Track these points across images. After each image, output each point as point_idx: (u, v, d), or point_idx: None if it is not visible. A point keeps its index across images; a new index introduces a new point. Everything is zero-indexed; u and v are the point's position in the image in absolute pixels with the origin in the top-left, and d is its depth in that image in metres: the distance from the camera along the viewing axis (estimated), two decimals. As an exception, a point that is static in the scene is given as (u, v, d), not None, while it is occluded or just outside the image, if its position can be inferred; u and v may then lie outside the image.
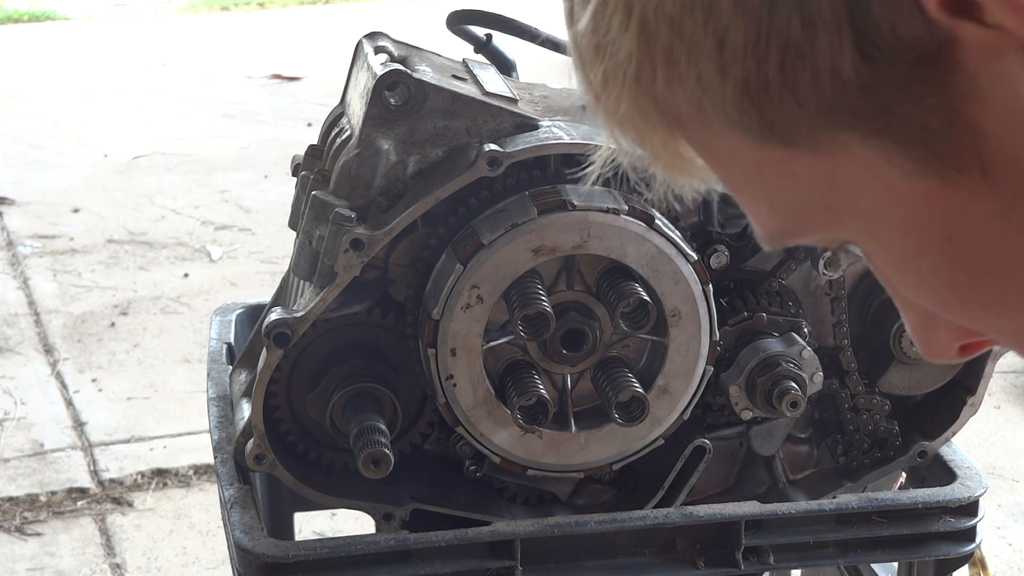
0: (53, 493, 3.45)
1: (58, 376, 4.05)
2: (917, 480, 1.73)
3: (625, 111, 0.67)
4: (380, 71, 1.48)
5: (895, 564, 1.74)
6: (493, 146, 1.46)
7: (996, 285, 0.64)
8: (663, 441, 1.57)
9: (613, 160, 0.81)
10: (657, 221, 1.48)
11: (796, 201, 0.67)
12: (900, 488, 1.74)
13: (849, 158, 0.63)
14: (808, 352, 1.58)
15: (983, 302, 0.66)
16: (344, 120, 1.62)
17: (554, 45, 1.72)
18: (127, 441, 3.69)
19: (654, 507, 1.61)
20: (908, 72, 0.60)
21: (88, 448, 3.65)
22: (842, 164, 0.64)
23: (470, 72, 1.60)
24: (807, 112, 0.62)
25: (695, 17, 0.61)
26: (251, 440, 1.52)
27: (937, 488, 1.63)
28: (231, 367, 1.75)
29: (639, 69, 0.64)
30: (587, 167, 1.04)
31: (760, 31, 0.60)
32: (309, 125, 6.39)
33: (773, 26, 0.59)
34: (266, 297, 1.87)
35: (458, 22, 1.78)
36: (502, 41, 1.79)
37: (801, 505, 1.60)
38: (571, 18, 0.68)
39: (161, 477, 3.54)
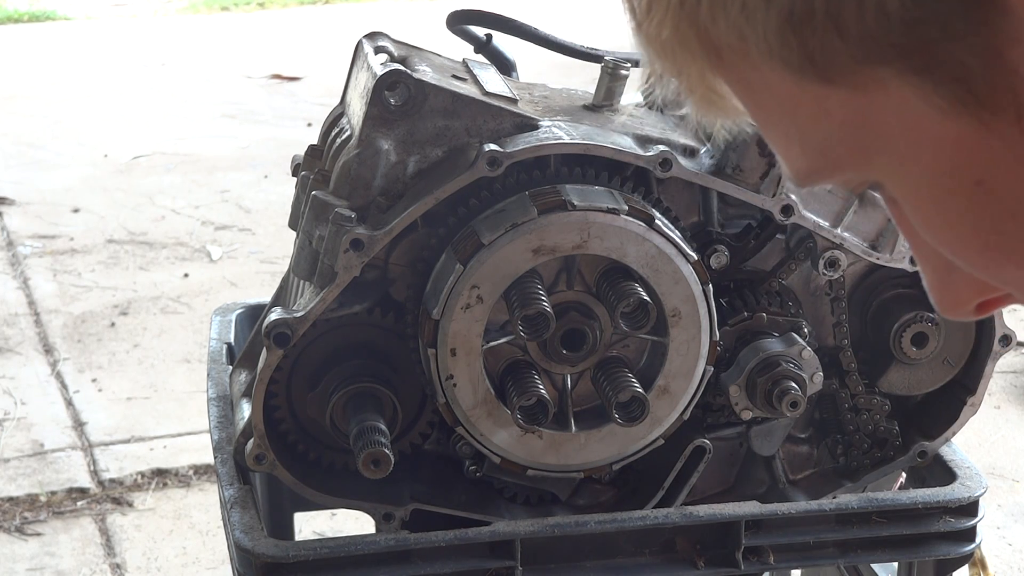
0: (53, 493, 3.45)
1: (58, 376, 4.05)
2: (917, 480, 1.73)
3: (667, 37, 0.67)
4: (380, 71, 1.48)
5: (895, 564, 1.74)
6: (493, 146, 1.46)
7: (1019, 230, 0.64)
8: (663, 441, 1.57)
9: (650, 94, 0.81)
10: (657, 221, 1.48)
11: (828, 139, 0.67)
12: (900, 488, 1.74)
13: (885, 96, 0.63)
14: (808, 352, 1.58)
15: (1004, 248, 0.65)
16: (344, 120, 1.62)
17: (554, 45, 1.72)
18: (127, 441, 3.69)
19: (654, 507, 1.61)
20: (953, 8, 0.60)
21: (88, 448, 3.65)
22: (878, 102, 0.64)
23: (470, 72, 1.60)
24: (848, 45, 0.62)
25: None
26: (251, 440, 1.52)
27: (937, 488, 1.63)
28: (231, 367, 1.75)
29: None
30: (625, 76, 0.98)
31: None
32: (309, 125, 6.39)
33: None
34: (266, 297, 1.87)
35: (458, 22, 1.78)
36: (502, 41, 1.79)
37: (801, 505, 1.60)
38: None
39: (161, 477, 3.54)
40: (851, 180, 0.70)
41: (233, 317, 1.94)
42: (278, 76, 7.60)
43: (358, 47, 1.64)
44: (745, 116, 0.73)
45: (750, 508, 1.57)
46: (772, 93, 0.67)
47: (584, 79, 1.74)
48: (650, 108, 1.67)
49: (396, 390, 1.55)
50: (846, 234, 1.57)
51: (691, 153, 1.56)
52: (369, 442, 1.47)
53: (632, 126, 1.57)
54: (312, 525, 3.17)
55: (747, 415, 1.60)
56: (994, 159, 0.62)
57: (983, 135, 0.62)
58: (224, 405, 1.71)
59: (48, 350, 4.24)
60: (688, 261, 1.49)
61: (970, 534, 1.61)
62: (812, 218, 1.56)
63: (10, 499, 3.42)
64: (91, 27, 9.20)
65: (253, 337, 1.71)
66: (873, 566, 1.81)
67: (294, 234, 1.61)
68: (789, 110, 0.68)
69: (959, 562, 1.64)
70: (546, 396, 1.48)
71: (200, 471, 3.53)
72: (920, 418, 1.70)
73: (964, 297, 0.73)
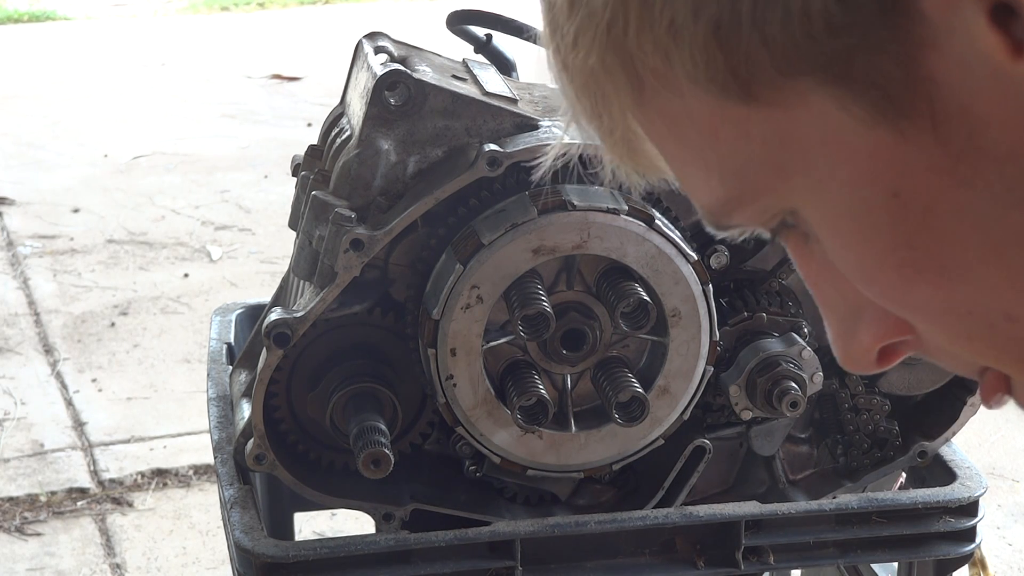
0: (53, 493, 3.45)
1: (58, 376, 4.05)
2: (917, 480, 1.73)
3: (593, 65, 0.68)
4: (380, 71, 1.48)
5: (895, 564, 1.74)
6: (493, 146, 1.46)
7: (934, 244, 0.64)
8: (663, 441, 1.57)
9: (565, 155, 0.82)
10: (657, 221, 1.48)
11: (747, 162, 0.68)
12: (900, 488, 1.74)
13: (806, 110, 0.64)
14: (808, 352, 1.58)
15: (917, 265, 0.65)
16: (344, 120, 1.62)
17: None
18: (127, 441, 3.69)
19: (654, 507, 1.61)
20: (873, 15, 0.60)
21: (88, 448, 3.66)
22: (797, 117, 0.65)
23: (470, 72, 1.60)
24: (773, 55, 0.63)
25: None
26: (251, 440, 1.52)
27: (937, 488, 1.63)
28: (231, 367, 1.75)
29: (612, 17, 0.65)
30: (539, 159, 1.05)
31: None
32: (309, 125, 6.39)
33: None
34: (266, 297, 1.87)
35: (458, 22, 1.78)
36: (502, 41, 1.79)
37: (801, 505, 1.60)
38: None
39: (161, 477, 3.54)
40: (768, 208, 0.70)
41: (233, 317, 1.94)
42: (278, 76, 7.60)
43: (358, 47, 1.64)
44: (659, 168, 0.74)
45: (750, 508, 1.57)
46: (693, 121, 0.68)
47: (584, 79, 1.74)
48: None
49: (396, 390, 1.55)
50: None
51: (691, 153, 1.56)
52: (369, 442, 1.47)
53: (632, 126, 1.57)
54: (312, 525, 3.17)
55: (747, 415, 1.60)
56: (910, 169, 0.63)
57: (900, 144, 0.62)
58: (224, 405, 1.71)
59: (48, 350, 4.24)
60: (688, 261, 1.49)
61: (970, 534, 1.61)
62: (812, 218, 1.56)
63: (10, 499, 3.42)
64: (91, 27, 9.20)
65: (253, 337, 1.71)
66: (873, 566, 1.81)
67: (294, 234, 1.61)
68: (709, 137, 0.68)
69: (959, 562, 1.64)
70: (546, 396, 1.48)
71: (200, 471, 3.53)
72: (920, 418, 1.70)
73: (867, 344, 0.73)
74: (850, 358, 0.74)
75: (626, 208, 1.47)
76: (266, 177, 5.84)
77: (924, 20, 0.60)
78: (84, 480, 3.50)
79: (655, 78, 0.67)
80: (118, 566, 3.18)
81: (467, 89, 1.52)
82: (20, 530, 3.30)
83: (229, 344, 1.87)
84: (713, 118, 0.67)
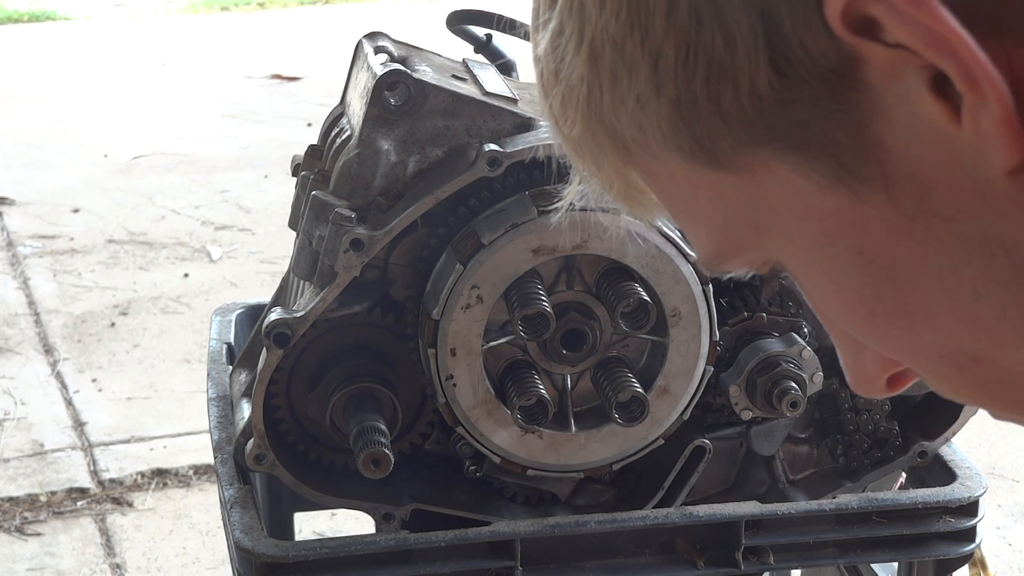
0: (53, 493, 3.45)
1: (58, 376, 4.05)
2: (917, 480, 1.73)
3: (579, 135, 0.72)
4: (380, 71, 1.48)
5: (895, 564, 1.74)
6: (493, 146, 1.46)
7: (899, 295, 0.67)
8: (663, 441, 1.57)
9: (582, 197, 0.86)
10: (657, 221, 1.48)
11: (727, 221, 0.71)
12: (900, 488, 1.74)
13: (769, 175, 0.67)
14: (808, 352, 1.58)
15: (887, 315, 0.69)
16: (344, 120, 1.62)
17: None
18: (127, 441, 3.69)
19: (654, 507, 1.61)
20: (819, 88, 0.63)
21: (88, 448, 3.66)
22: (764, 183, 0.67)
23: (470, 72, 1.60)
24: (731, 128, 0.66)
25: (634, 38, 0.65)
26: (251, 440, 1.52)
27: (937, 488, 1.63)
28: (231, 367, 1.75)
29: (589, 91, 0.69)
30: (557, 203, 1.11)
31: (688, 48, 0.64)
32: (309, 125, 6.39)
33: (699, 43, 0.64)
34: (266, 297, 1.87)
35: (458, 22, 1.78)
36: (502, 41, 1.79)
37: (801, 505, 1.60)
38: (535, 45, 0.73)
39: (161, 477, 3.54)
40: (755, 260, 0.73)
41: (233, 317, 1.94)
42: (278, 76, 7.60)
43: (358, 47, 1.64)
44: (661, 209, 0.77)
45: (750, 508, 1.57)
46: (674, 181, 0.71)
47: (584, 79, 1.74)
48: None
49: (396, 390, 1.55)
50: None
51: (691, 153, 1.56)
52: (369, 442, 1.47)
53: (632, 126, 1.57)
54: (312, 525, 3.17)
55: (747, 415, 1.60)
56: (869, 229, 0.65)
57: (857, 206, 0.65)
58: (224, 405, 1.71)
59: (48, 350, 4.24)
60: (688, 261, 1.49)
61: (970, 534, 1.61)
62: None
63: (10, 499, 3.42)
64: (91, 27, 9.20)
65: (253, 337, 1.71)
66: (873, 566, 1.81)
67: (294, 234, 1.61)
68: (691, 196, 0.72)
69: (959, 562, 1.64)
70: (546, 396, 1.48)
71: (200, 471, 3.53)
72: (920, 418, 1.70)
73: (873, 373, 0.76)
74: (860, 386, 0.77)
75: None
76: (266, 177, 5.84)
77: (869, 90, 0.62)
78: (84, 480, 3.50)
79: (635, 144, 0.70)
80: (118, 566, 3.18)
81: (467, 89, 1.52)
82: (20, 530, 3.30)
83: (229, 344, 1.87)
84: (691, 180, 0.70)
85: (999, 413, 0.72)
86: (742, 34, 0.62)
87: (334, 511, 3.07)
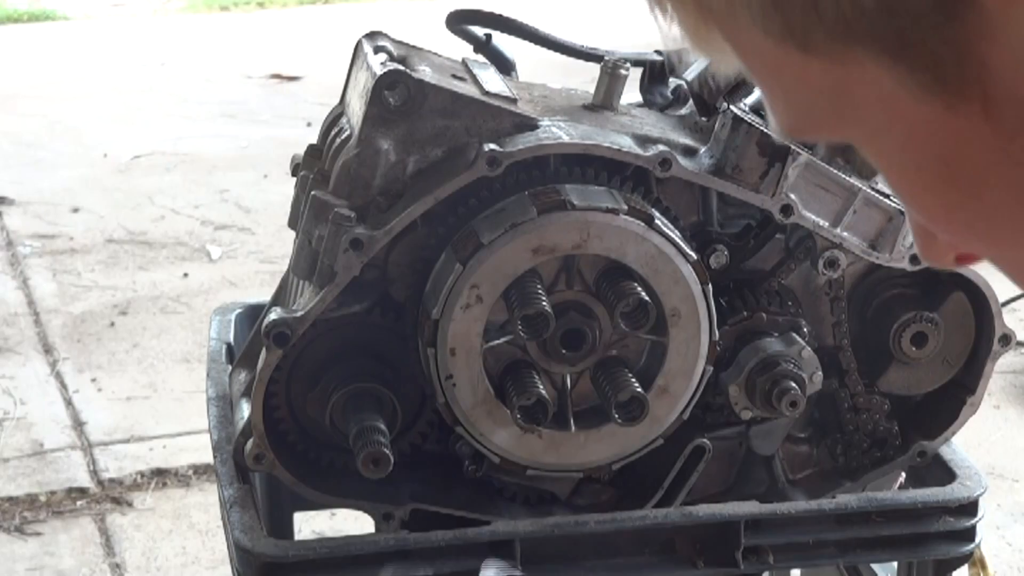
0: (53, 493, 3.45)
1: (58, 376, 4.05)
2: (917, 480, 1.73)
3: None
4: (380, 71, 1.48)
5: (895, 564, 1.74)
6: (492, 146, 1.46)
7: (982, 210, 0.68)
8: (663, 441, 1.57)
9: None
10: (657, 221, 1.48)
11: (809, 102, 0.71)
12: (900, 488, 1.74)
13: (861, 72, 0.66)
14: (808, 352, 1.58)
15: (967, 223, 0.70)
16: (344, 120, 1.62)
17: (554, 45, 1.71)
18: (127, 441, 3.69)
19: (654, 507, 1.61)
20: (927, 1, 0.62)
21: (88, 448, 3.65)
22: (854, 75, 0.67)
23: (470, 72, 1.60)
24: (824, 23, 0.65)
25: None
26: (251, 440, 1.52)
27: (937, 488, 1.63)
28: (231, 367, 1.75)
29: None
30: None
31: None
32: (309, 125, 6.39)
33: None
34: (266, 297, 1.87)
35: (458, 22, 1.78)
36: (502, 41, 1.79)
37: (801, 505, 1.60)
38: None
39: (161, 477, 3.54)
40: (831, 141, 0.76)
41: (233, 317, 1.94)
42: (278, 76, 7.60)
43: (358, 47, 1.64)
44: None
45: (750, 508, 1.57)
46: (758, 55, 0.70)
47: (584, 79, 1.74)
48: (649, 108, 1.67)
49: (396, 390, 1.55)
50: (845, 234, 1.57)
51: (691, 153, 1.56)
52: (369, 442, 1.47)
53: (632, 126, 1.57)
54: (312, 525, 3.17)
55: (747, 415, 1.60)
56: (960, 142, 0.66)
57: (951, 120, 0.65)
58: (224, 405, 1.71)
59: (48, 350, 4.24)
60: (688, 261, 1.49)
61: (970, 534, 1.61)
62: (812, 218, 1.56)
63: (10, 499, 3.42)
64: (90, 27, 9.20)
65: (253, 337, 1.71)
66: (873, 566, 1.81)
67: (294, 234, 1.61)
68: (774, 72, 0.71)
69: (959, 562, 1.64)
70: (546, 396, 1.48)
71: (200, 471, 3.53)
72: (920, 418, 1.70)
73: (942, 251, 0.78)
74: (927, 258, 0.79)
75: (625, 208, 1.47)
76: (266, 177, 5.84)
77: (981, 10, 0.61)
78: (84, 480, 3.50)
79: (720, 13, 0.69)
80: (118, 566, 3.18)
81: (467, 89, 1.52)
82: (20, 530, 3.30)
83: (229, 344, 1.87)
84: (776, 58, 0.69)
85: None
86: None
87: (334, 511, 3.07)
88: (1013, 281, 0.73)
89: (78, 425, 3.76)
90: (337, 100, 1.68)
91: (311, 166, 1.65)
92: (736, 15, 0.67)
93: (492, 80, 1.58)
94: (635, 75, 1.64)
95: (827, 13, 0.64)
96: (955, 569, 1.66)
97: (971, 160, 0.66)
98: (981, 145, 0.65)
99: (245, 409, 1.57)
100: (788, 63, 0.69)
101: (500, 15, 1.74)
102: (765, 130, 1.50)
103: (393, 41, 1.65)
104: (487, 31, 1.79)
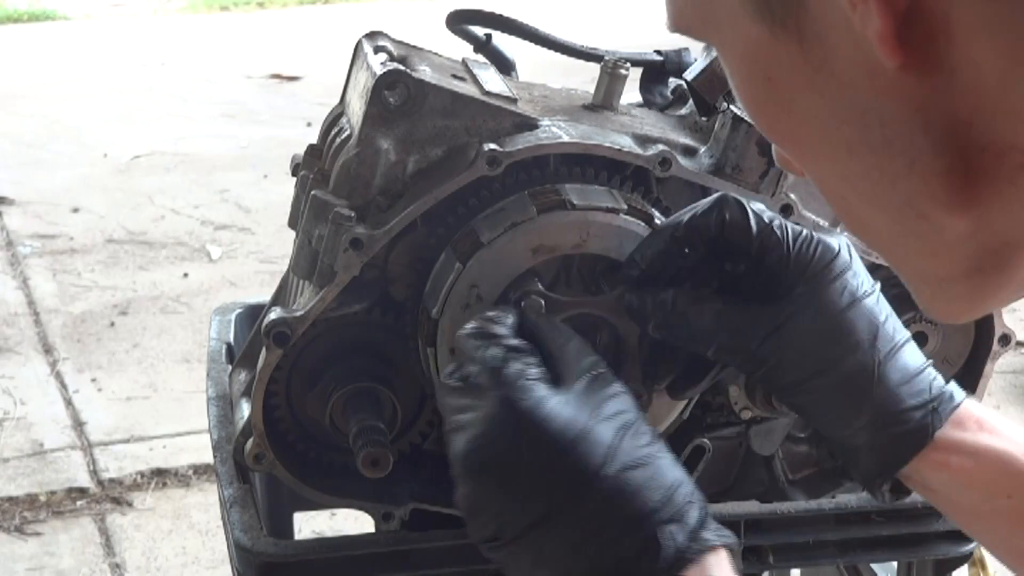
0: (53, 493, 3.45)
1: (58, 376, 4.06)
2: (917, 480, 1.73)
3: None
4: (380, 71, 1.48)
5: (895, 564, 1.74)
6: (492, 146, 1.46)
7: (792, 126, 0.82)
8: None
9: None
10: (656, 220, 1.48)
11: (683, 3, 0.86)
12: (900, 488, 1.74)
13: None
14: (808, 352, 1.58)
15: (784, 133, 0.84)
16: (344, 120, 1.62)
17: (554, 45, 1.71)
18: (127, 441, 3.69)
19: (654, 507, 1.61)
20: None
21: (88, 448, 3.66)
22: None
23: (470, 72, 1.60)
24: None
25: None
26: (250, 439, 1.52)
27: (937, 488, 1.63)
28: (231, 367, 1.75)
29: None
30: None
31: None
32: (309, 125, 6.39)
33: None
34: (266, 297, 1.87)
35: (458, 22, 1.78)
36: (502, 41, 1.79)
37: (801, 505, 1.60)
38: None
39: (161, 477, 3.54)
40: (702, 40, 0.90)
41: (233, 317, 1.94)
42: (278, 76, 7.61)
43: (358, 47, 1.64)
44: None
45: (750, 508, 1.57)
46: None
47: (584, 79, 1.74)
48: (649, 108, 1.67)
49: (396, 390, 1.55)
50: (845, 234, 1.57)
51: (691, 153, 1.56)
52: (368, 441, 1.47)
53: (632, 126, 1.57)
54: (312, 525, 3.18)
55: (746, 415, 1.60)
56: (778, 65, 0.78)
57: (774, 43, 0.77)
58: (224, 405, 1.71)
59: (48, 350, 4.24)
60: (688, 261, 1.49)
61: (970, 534, 1.61)
62: (811, 218, 1.56)
63: (10, 499, 3.42)
64: (90, 27, 9.20)
65: (253, 337, 1.71)
66: (873, 566, 1.81)
67: (294, 234, 1.61)
68: None
69: (958, 562, 1.64)
70: (546, 396, 1.47)
71: (200, 471, 3.53)
72: (920, 418, 1.70)
73: (781, 160, 1.00)
74: (778, 163, 1.04)
75: (625, 207, 1.47)
76: (266, 177, 5.84)
77: None
78: (84, 480, 3.50)
79: None
80: (118, 566, 3.18)
81: (467, 89, 1.52)
82: (20, 530, 3.31)
83: (229, 344, 1.87)
84: None
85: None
86: None
87: (334, 511, 3.07)
88: (823, 195, 0.86)
89: (78, 425, 3.77)
90: (337, 100, 1.68)
91: (311, 166, 1.65)
92: None
93: (492, 80, 1.58)
94: (635, 75, 1.64)
95: None
96: (955, 569, 1.66)
97: (786, 81, 0.79)
98: (794, 71, 0.77)
99: (245, 409, 1.57)
100: None
101: (500, 15, 1.74)
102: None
103: (393, 41, 1.65)
104: (487, 31, 1.79)
